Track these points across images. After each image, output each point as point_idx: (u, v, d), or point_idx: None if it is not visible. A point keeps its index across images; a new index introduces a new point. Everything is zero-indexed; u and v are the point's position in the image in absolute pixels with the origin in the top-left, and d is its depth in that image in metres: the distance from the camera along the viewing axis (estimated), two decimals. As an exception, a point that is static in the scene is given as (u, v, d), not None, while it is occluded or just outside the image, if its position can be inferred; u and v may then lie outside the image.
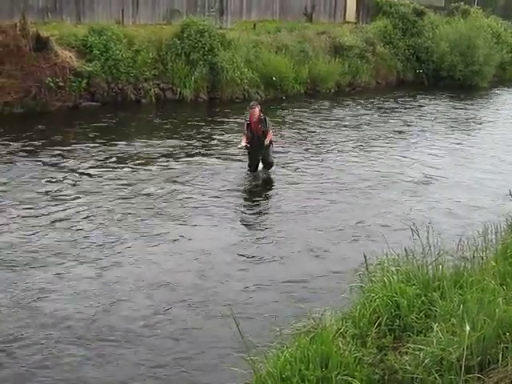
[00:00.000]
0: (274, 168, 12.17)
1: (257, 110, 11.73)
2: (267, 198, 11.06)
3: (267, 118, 11.98)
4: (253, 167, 12.01)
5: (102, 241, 8.57)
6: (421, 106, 21.92)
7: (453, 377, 4.14)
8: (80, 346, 6.06)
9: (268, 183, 11.75)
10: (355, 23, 28.22)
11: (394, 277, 5.59)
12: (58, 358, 5.85)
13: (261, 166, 12.07)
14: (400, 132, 17.32)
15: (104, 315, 6.64)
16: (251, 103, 12.21)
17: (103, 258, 8.02)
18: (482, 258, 6.04)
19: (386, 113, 20.27)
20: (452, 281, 5.57)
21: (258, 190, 11.40)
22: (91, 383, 5.53)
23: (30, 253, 8.04)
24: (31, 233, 8.71)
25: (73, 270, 7.69)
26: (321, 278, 7.73)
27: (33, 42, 16.56)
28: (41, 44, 16.68)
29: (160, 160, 12.81)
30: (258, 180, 11.80)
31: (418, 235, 5.86)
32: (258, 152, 11.84)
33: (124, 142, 14.07)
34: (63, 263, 7.82)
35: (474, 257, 5.99)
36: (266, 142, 11.61)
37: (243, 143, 11.72)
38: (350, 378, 4.40)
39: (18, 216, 9.31)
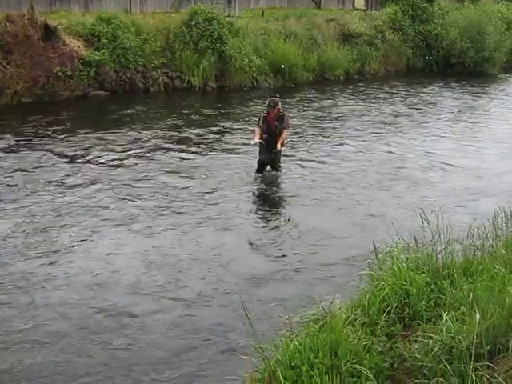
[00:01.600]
0: (280, 173, 11.14)
1: (276, 110, 10.73)
2: (273, 188, 10.84)
3: (286, 117, 10.95)
4: (261, 166, 11.03)
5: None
6: (429, 93, 21.79)
7: (462, 365, 4.13)
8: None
9: (275, 178, 11.10)
10: (364, 10, 28.03)
11: (404, 265, 5.57)
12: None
13: (268, 167, 11.13)
14: (408, 120, 17.23)
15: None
16: (271, 101, 10.83)
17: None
18: (492, 246, 6.02)
19: (393, 100, 20.14)
20: (462, 269, 5.56)
21: (264, 183, 10.94)
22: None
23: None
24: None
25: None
26: (330, 266, 7.73)
27: (41, 31, 16.57)
28: (49, 33, 16.69)
29: (167, 151, 12.68)
30: (264, 178, 11.04)
31: (428, 223, 5.84)
32: (270, 150, 10.82)
33: (132, 131, 14.08)
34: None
35: (483, 245, 5.97)
36: (278, 147, 10.69)
37: (256, 139, 10.71)
38: (359, 366, 4.40)
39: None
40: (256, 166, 11.15)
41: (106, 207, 9.42)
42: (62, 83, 16.65)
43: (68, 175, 10.83)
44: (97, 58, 17.32)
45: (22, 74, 16.07)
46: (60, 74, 16.48)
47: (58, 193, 9.95)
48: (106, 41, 17.64)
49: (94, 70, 17.31)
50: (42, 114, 15.07)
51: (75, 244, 8.06)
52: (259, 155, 11.08)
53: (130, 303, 6.68)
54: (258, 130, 10.84)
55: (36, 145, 12.59)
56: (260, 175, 11.06)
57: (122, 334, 6.11)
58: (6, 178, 10.56)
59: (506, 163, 12.77)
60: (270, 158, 10.99)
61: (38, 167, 11.18)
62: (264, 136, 10.78)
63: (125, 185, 10.47)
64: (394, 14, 26.84)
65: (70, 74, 16.71)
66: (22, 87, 16.04)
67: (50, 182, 10.41)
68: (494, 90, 23.76)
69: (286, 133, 11.00)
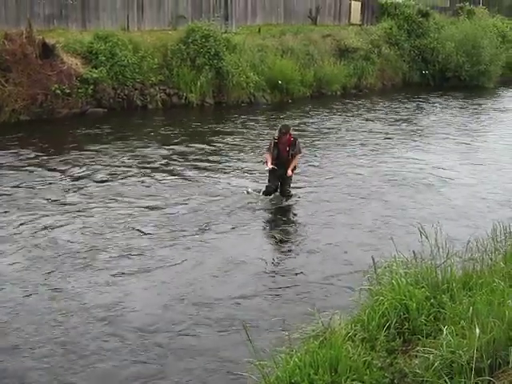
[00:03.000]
0: (291, 199, 10.84)
1: (288, 136, 10.51)
2: (276, 207, 10.65)
3: (298, 141, 10.77)
4: (268, 191, 10.70)
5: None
6: (426, 109, 21.88)
7: (463, 380, 4.12)
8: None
9: (278, 197, 10.84)
10: (360, 25, 28.19)
11: (403, 279, 5.56)
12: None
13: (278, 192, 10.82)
14: (406, 133, 17.31)
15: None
16: (282, 127, 10.69)
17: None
18: (491, 260, 6.01)
19: (390, 115, 20.23)
20: (461, 283, 5.55)
21: (268, 205, 10.68)
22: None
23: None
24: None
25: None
26: (329, 281, 7.72)
27: (39, 49, 16.62)
28: (47, 51, 16.75)
29: (164, 170, 12.53)
30: (271, 201, 10.74)
31: (427, 237, 5.84)
32: (279, 176, 10.63)
33: (130, 149, 14.07)
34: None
35: (483, 258, 5.96)
36: (289, 172, 10.50)
37: (269, 165, 10.45)
38: (359, 383, 4.38)
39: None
40: (264, 189, 10.81)
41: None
42: (60, 101, 16.67)
43: (60, 193, 10.76)
44: (95, 75, 17.36)
45: (20, 92, 16.10)
46: (58, 91, 16.51)
47: (31, 214, 9.67)
48: (103, 58, 17.69)
49: (91, 87, 17.34)
50: (40, 132, 15.10)
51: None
52: (268, 182, 10.76)
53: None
54: (268, 157, 10.61)
55: (32, 163, 12.55)
56: (264, 197, 10.74)
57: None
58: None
59: (481, 187, 12.27)
60: (276, 186, 10.78)
61: (24, 186, 11.07)
62: (275, 161, 10.54)
63: (106, 205, 10.28)
64: (390, 28, 27.06)
65: (68, 91, 16.74)
66: (20, 105, 16.06)
67: (34, 200, 10.30)
68: (488, 105, 23.82)
69: (298, 158, 10.85)
